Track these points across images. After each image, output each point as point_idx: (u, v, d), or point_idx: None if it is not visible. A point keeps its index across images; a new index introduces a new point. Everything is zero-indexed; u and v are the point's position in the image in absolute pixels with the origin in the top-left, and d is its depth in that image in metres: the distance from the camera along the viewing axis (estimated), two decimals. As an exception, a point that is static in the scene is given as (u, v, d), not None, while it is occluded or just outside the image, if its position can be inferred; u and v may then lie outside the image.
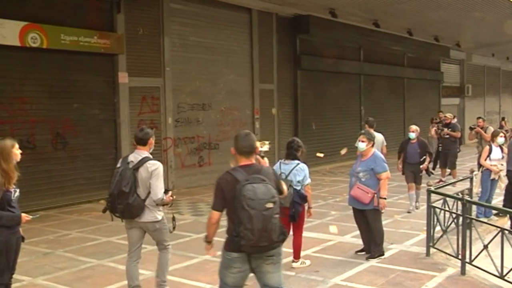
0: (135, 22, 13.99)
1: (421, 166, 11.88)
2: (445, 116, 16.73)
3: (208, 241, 5.12)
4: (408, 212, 11.42)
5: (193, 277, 7.30)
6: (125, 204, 6.01)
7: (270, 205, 4.57)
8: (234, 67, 17.10)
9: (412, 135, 12.03)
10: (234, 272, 4.82)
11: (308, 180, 7.73)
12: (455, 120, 17.12)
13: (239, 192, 4.57)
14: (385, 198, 8.03)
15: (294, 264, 7.82)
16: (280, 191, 4.93)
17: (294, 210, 7.49)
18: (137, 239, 6.36)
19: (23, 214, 5.36)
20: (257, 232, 4.54)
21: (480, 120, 15.97)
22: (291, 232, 7.48)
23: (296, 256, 7.87)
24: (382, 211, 8.15)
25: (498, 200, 11.88)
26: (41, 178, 12.19)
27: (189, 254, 8.41)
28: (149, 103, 14.57)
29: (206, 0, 15.71)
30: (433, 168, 16.61)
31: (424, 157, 11.89)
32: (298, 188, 7.59)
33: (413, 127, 12.23)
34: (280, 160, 7.95)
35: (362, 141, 8.11)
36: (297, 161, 7.72)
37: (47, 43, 11.87)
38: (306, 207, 7.77)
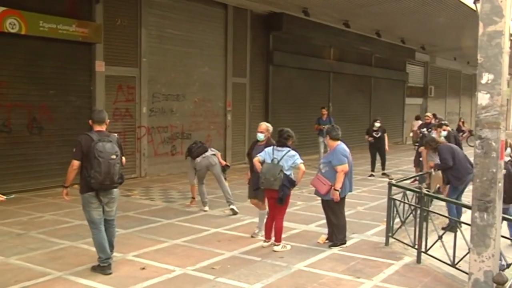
0: (113, 13, 13.89)
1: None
2: (425, 116, 16.69)
3: (66, 186, 6.93)
4: (252, 236, 8.72)
5: (163, 260, 7.32)
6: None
7: (113, 156, 6.55)
8: (208, 60, 17.08)
9: (261, 136, 8.78)
10: (93, 207, 6.70)
11: (300, 160, 7.94)
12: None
13: (93, 147, 6.46)
14: (338, 190, 7.99)
15: (275, 248, 7.97)
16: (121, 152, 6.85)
17: (283, 193, 7.81)
18: (204, 175, 10.63)
19: (-3, 194, 5.33)
20: (103, 174, 6.46)
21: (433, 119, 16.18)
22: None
23: (278, 239, 8.02)
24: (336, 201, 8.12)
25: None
26: (16, 161, 12.08)
27: (159, 238, 8.44)
28: (124, 92, 14.49)
29: (184, -6, 15.68)
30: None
31: None
32: (288, 173, 7.86)
33: (263, 125, 8.92)
34: (273, 146, 8.14)
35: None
36: (287, 148, 7.98)
37: (26, 29, 11.72)
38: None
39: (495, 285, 4.18)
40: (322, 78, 22.93)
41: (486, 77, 5.00)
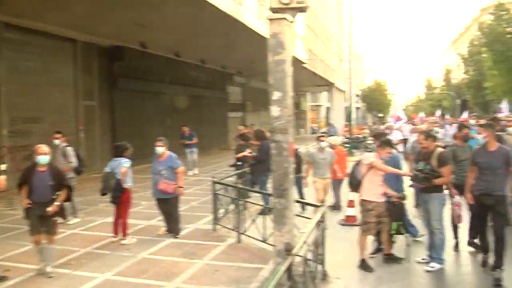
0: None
1: (54, 217, 6.57)
2: (238, 128, 16.75)
3: None
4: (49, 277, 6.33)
5: (27, 261, 6.96)
6: None
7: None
8: (61, 87, 16.26)
9: (44, 159, 6.43)
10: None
11: (125, 165, 8.07)
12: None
13: None
14: (182, 187, 8.29)
15: (123, 241, 7.93)
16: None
17: (115, 196, 7.95)
18: None
19: None
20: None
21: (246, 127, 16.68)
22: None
23: (125, 234, 8.04)
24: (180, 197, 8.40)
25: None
26: None
27: (22, 243, 7.93)
28: (-15, 117, 13.28)
29: (36, 31, 14.69)
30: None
31: (59, 192, 6.47)
32: (119, 177, 7.98)
33: (43, 148, 6.51)
34: (113, 159, 8.25)
35: (160, 146, 8.35)
36: (121, 158, 8.11)
37: None
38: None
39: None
40: (161, 99, 22.74)
41: (276, 95, 5.44)
